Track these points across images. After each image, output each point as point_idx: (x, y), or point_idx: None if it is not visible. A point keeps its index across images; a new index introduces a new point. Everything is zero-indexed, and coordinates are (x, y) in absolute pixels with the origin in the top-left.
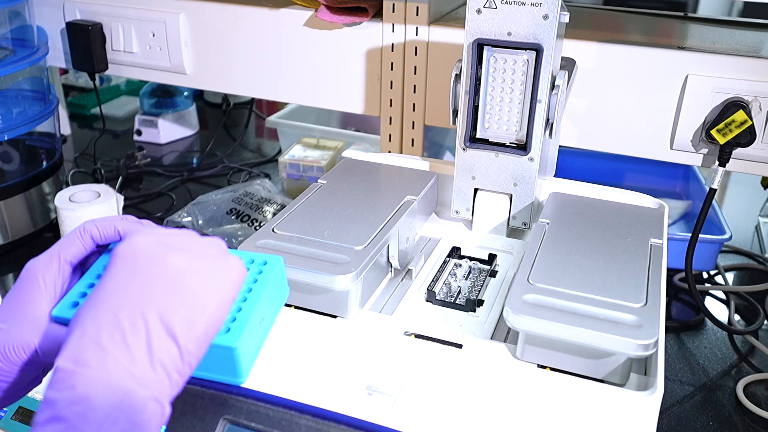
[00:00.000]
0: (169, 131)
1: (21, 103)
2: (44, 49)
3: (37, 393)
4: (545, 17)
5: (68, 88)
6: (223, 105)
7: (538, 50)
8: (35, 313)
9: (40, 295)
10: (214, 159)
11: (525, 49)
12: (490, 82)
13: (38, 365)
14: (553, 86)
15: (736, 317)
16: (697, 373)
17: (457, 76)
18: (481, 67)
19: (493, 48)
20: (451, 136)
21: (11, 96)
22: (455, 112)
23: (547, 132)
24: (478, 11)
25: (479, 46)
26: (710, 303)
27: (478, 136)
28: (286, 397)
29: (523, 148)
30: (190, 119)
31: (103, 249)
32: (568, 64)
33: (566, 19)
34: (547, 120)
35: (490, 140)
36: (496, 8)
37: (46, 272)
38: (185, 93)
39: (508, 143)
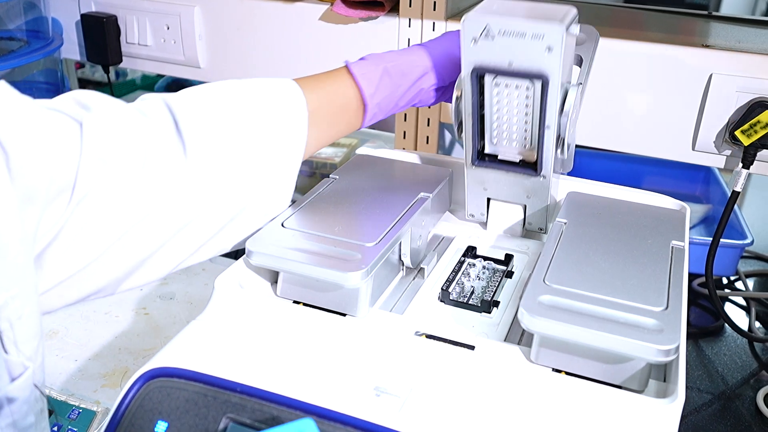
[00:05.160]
0: None
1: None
2: (59, 41)
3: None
4: (549, 49)
5: (84, 82)
6: None
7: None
8: None
9: None
10: None
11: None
12: (495, 105)
13: None
14: (563, 107)
15: (757, 324)
16: (716, 380)
17: (458, 98)
18: (483, 94)
19: (495, 75)
20: None
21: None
22: (459, 127)
23: (560, 149)
24: (474, 41)
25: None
26: (730, 309)
27: (486, 151)
28: (291, 396)
29: (534, 167)
30: None
31: None
32: (588, 39)
33: (577, 30)
34: (559, 136)
35: (499, 157)
36: (493, 39)
37: None
38: None
39: (518, 161)
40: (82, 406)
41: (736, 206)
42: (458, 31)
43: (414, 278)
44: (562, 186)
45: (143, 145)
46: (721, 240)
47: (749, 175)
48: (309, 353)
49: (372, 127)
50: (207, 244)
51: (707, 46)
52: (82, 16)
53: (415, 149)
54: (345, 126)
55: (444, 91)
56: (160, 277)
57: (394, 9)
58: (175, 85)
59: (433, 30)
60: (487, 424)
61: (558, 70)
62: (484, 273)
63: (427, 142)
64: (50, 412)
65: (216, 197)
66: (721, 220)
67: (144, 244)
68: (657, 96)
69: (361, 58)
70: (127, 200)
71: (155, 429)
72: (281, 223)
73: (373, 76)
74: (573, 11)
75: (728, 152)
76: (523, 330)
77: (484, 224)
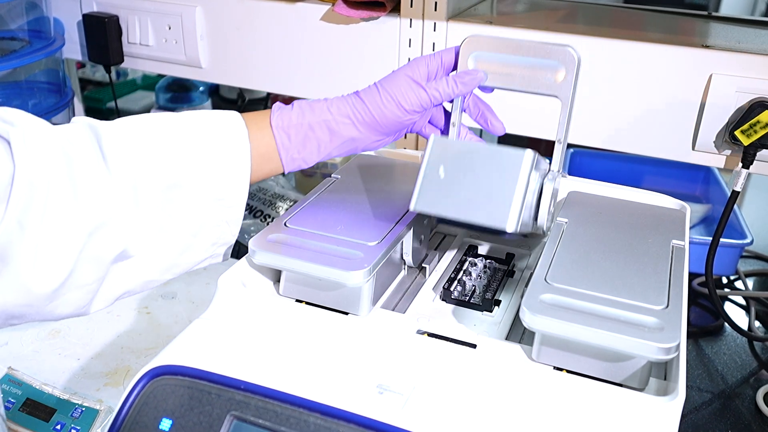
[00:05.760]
0: None
1: (36, 94)
2: (60, 41)
3: (45, 386)
4: (503, 232)
5: (85, 82)
6: (238, 101)
7: None
8: None
9: None
10: None
11: None
12: None
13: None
14: (539, 202)
15: (756, 324)
16: (716, 379)
17: None
18: None
19: None
20: None
21: (27, 87)
22: None
23: (537, 222)
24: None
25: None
26: (730, 308)
27: None
28: (294, 394)
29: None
30: None
31: None
32: (566, 73)
33: (538, 177)
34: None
35: None
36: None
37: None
38: (201, 88)
39: None
40: (84, 404)
41: (735, 206)
42: (406, 75)
43: (416, 277)
44: (563, 186)
45: (68, 162)
46: (721, 240)
47: (749, 175)
48: (312, 351)
49: None
50: (158, 273)
51: (707, 47)
52: (84, 16)
53: (416, 149)
54: (268, 171)
55: (395, 136)
56: (108, 305)
57: (395, 9)
58: (176, 85)
59: (434, 30)
60: (489, 421)
61: (518, 229)
62: (485, 272)
63: None
64: (53, 411)
65: (154, 219)
66: (721, 220)
67: (91, 272)
68: (657, 96)
69: (290, 104)
70: (65, 216)
71: (160, 426)
72: (284, 223)
73: (294, 132)
74: (529, 159)
75: (728, 152)
76: (525, 328)
77: None
